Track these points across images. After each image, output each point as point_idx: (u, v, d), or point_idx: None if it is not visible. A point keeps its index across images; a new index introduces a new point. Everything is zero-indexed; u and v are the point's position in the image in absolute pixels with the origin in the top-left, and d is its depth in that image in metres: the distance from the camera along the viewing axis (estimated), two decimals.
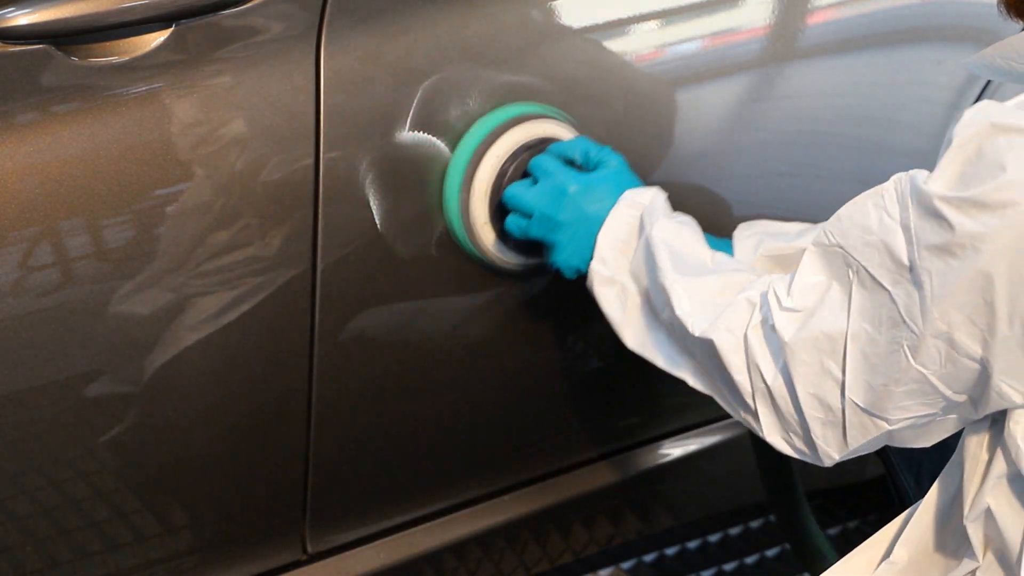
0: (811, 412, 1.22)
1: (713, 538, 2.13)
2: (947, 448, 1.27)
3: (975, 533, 1.22)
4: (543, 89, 1.52)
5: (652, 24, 1.61)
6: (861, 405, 1.19)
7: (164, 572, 1.57)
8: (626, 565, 2.04)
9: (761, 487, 2.03)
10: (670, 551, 2.08)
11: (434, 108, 1.47)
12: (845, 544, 2.13)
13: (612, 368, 1.76)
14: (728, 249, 1.48)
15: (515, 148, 1.48)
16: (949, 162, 1.09)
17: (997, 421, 1.21)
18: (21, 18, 1.26)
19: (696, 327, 1.28)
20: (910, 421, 1.19)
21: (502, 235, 1.50)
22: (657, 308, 1.35)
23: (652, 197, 1.40)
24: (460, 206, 1.49)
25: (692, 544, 2.11)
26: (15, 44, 1.27)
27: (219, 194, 1.38)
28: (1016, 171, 1.04)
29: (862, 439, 1.21)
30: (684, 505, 1.99)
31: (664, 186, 1.50)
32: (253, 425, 1.53)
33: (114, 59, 1.31)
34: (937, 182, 1.09)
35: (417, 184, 1.48)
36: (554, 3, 1.53)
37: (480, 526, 1.79)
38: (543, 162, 1.46)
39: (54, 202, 1.31)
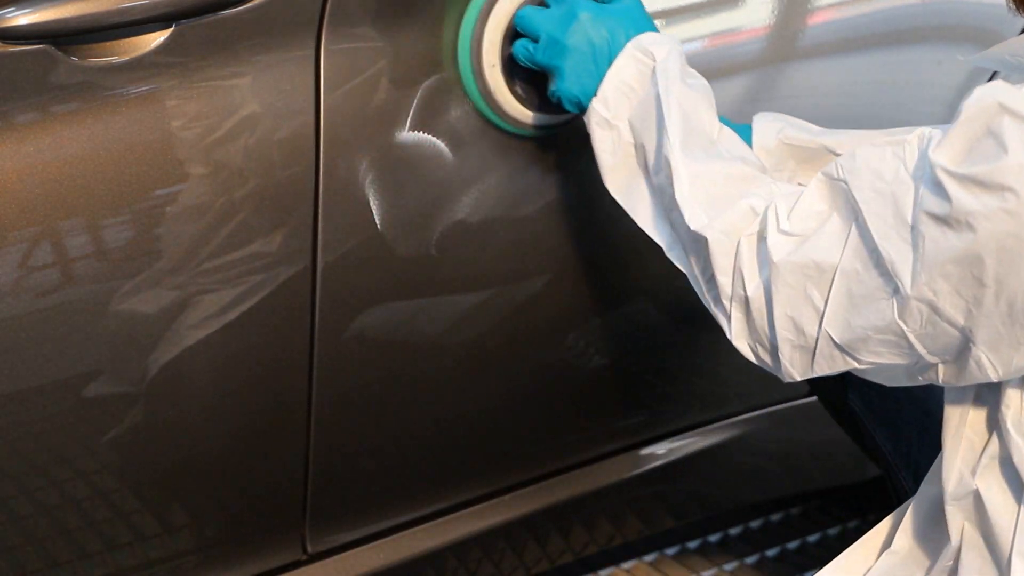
0: (784, 333, 1.22)
1: (713, 538, 2.13)
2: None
3: (954, 514, 1.23)
4: None
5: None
6: (836, 339, 1.19)
7: (164, 572, 1.57)
8: (626, 565, 2.04)
9: (763, 484, 2.04)
10: (670, 551, 2.08)
11: (435, 106, 1.47)
12: (845, 544, 2.13)
13: (613, 368, 1.76)
14: (747, 133, 1.46)
15: None
16: (956, 135, 1.09)
17: (981, 398, 1.22)
18: (21, 18, 1.26)
19: (693, 220, 1.27)
20: (879, 365, 1.20)
21: (515, 88, 1.47)
22: (652, 169, 1.34)
23: (668, 52, 1.37)
24: (471, 58, 1.46)
25: (692, 544, 2.10)
26: (15, 44, 1.27)
27: (219, 194, 1.38)
28: (1017, 156, 1.05)
29: (828, 369, 1.23)
30: (684, 505, 1.99)
31: None
32: (253, 425, 1.53)
33: (114, 59, 1.31)
34: (942, 153, 1.10)
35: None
36: None
37: (480, 526, 1.79)
38: None
39: (54, 202, 1.31)
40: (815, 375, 1.24)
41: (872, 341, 1.18)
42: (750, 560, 2.09)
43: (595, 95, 1.38)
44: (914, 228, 1.12)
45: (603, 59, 1.38)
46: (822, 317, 1.19)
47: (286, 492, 1.61)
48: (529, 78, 1.48)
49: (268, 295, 1.44)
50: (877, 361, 1.19)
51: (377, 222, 1.48)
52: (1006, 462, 1.19)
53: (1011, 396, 1.17)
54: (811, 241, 1.19)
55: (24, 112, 1.29)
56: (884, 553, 1.31)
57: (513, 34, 1.46)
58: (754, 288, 1.24)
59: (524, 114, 1.50)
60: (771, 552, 2.11)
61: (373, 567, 1.72)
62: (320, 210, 1.43)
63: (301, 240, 1.44)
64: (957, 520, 1.24)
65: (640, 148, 1.36)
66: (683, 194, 1.29)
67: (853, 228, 1.17)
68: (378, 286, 1.51)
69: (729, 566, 2.07)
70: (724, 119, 1.42)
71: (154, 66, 1.33)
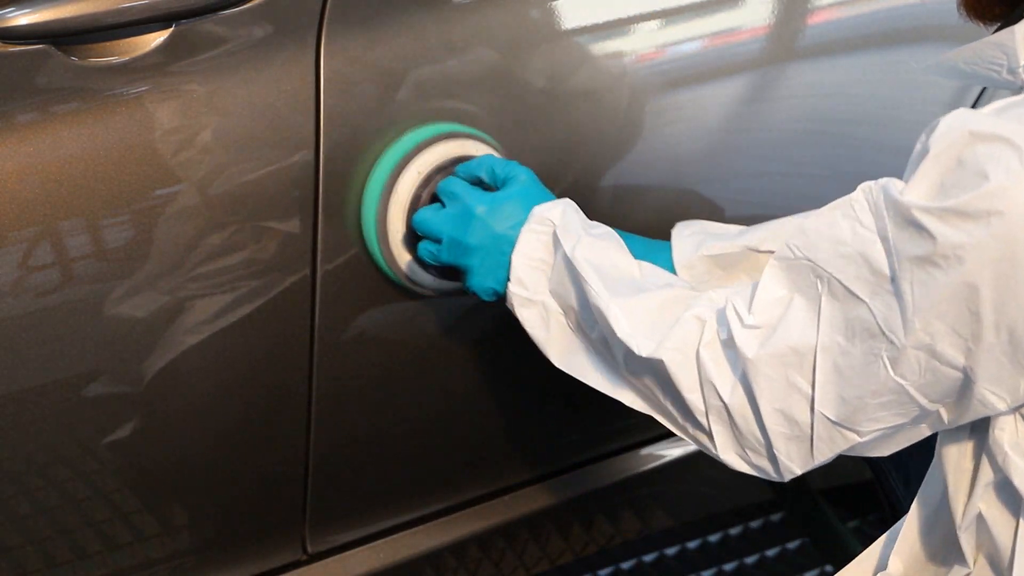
0: (775, 428, 1.19)
1: (713, 538, 2.13)
2: (932, 447, 1.27)
3: (967, 541, 1.21)
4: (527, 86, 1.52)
5: (652, 24, 1.61)
6: (832, 418, 1.16)
7: (164, 572, 1.57)
8: (626, 565, 2.04)
9: (765, 487, 2.03)
10: (670, 551, 2.08)
11: (431, 106, 1.47)
12: (845, 545, 2.13)
13: None
14: (666, 251, 1.45)
15: (428, 171, 1.44)
16: (927, 171, 1.06)
17: (977, 429, 1.20)
18: (21, 18, 1.26)
19: (642, 348, 1.24)
20: (880, 432, 1.17)
21: (420, 260, 1.46)
22: (586, 327, 1.32)
23: (562, 212, 1.34)
24: (377, 232, 1.45)
25: (692, 544, 2.10)
26: (15, 44, 1.27)
27: (219, 194, 1.38)
28: (999, 179, 1.02)
29: (829, 452, 1.19)
30: (684, 505, 1.99)
31: (664, 187, 1.51)
32: (254, 425, 1.53)
33: (114, 59, 1.31)
34: (914, 192, 1.07)
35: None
36: (555, 2, 1.53)
37: (480, 526, 1.79)
38: (449, 185, 1.42)
39: (54, 202, 1.31)
40: (816, 464, 1.21)
41: (871, 407, 1.14)
42: (750, 560, 2.08)
43: (508, 279, 1.35)
44: (895, 279, 1.09)
45: (509, 247, 1.36)
46: (812, 401, 1.16)
47: (286, 492, 1.61)
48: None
49: (268, 295, 1.44)
50: (879, 427, 1.16)
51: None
52: (1002, 485, 1.18)
53: (1004, 420, 1.15)
54: (781, 328, 1.16)
55: (24, 112, 1.29)
56: (879, 574, 1.31)
57: (418, 206, 1.44)
58: (730, 393, 1.20)
59: (443, 284, 1.48)
60: (771, 552, 2.11)
61: (373, 567, 1.72)
62: (320, 210, 1.43)
63: (301, 241, 1.44)
64: (970, 549, 1.22)
65: (568, 311, 1.33)
66: (623, 331, 1.25)
67: (823, 302, 1.14)
68: (378, 286, 1.51)
69: (729, 566, 2.07)
70: (640, 240, 1.40)
71: (154, 66, 1.33)
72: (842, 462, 1.98)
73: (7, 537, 1.45)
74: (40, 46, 1.28)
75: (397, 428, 1.64)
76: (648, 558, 2.06)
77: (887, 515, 1.63)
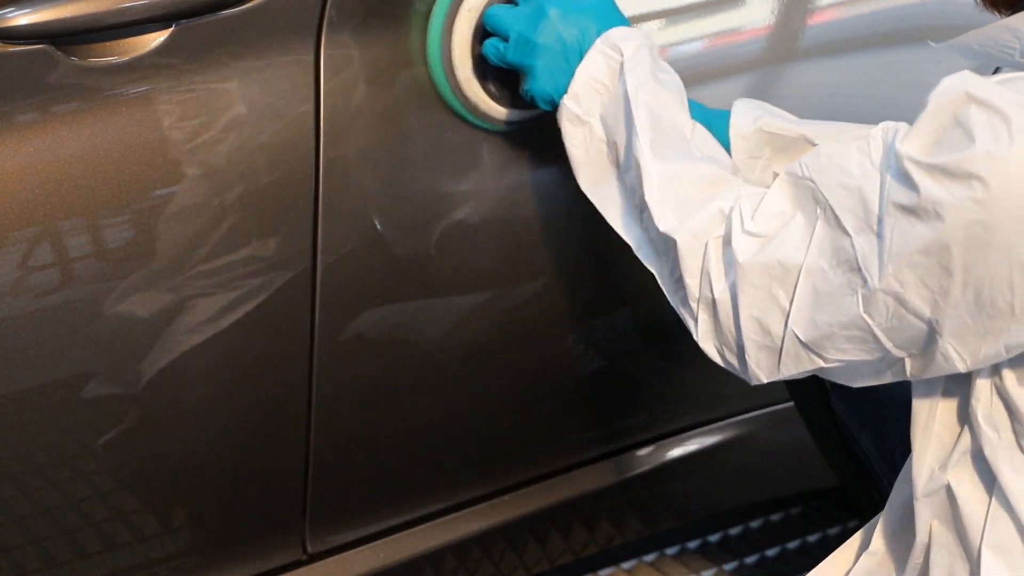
0: (750, 334, 1.22)
1: (713, 538, 2.13)
2: None
3: (922, 511, 1.23)
4: None
5: (652, 24, 1.61)
6: (801, 338, 1.19)
7: (164, 572, 1.57)
8: (626, 565, 2.04)
9: (763, 484, 2.03)
10: (670, 551, 2.08)
11: (414, 106, 1.47)
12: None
13: (612, 368, 1.76)
14: (724, 119, 1.46)
15: None
16: (923, 125, 1.10)
17: (949, 392, 1.22)
18: (21, 18, 1.26)
19: (663, 222, 1.27)
20: (846, 362, 1.20)
21: (487, 87, 1.46)
22: (622, 167, 1.34)
23: (638, 47, 1.36)
24: (442, 55, 1.45)
25: (692, 544, 2.10)
26: (15, 44, 1.27)
27: (219, 194, 1.38)
28: (985, 145, 1.05)
29: (794, 370, 1.23)
30: (684, 505, 1.99)
31: None
32: (254, 425, 1.53)
33: (114, 59, 1.31)
34: (910, 143, 1.10)
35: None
36: None
37: (480, 526, 1.79)
38: None
39: (54, 202, 1.31)
40: (781, 376, 1.24)
41: (838, 338, 1.17)
42: (750, 560, 2.08)
43: (566, 92, 1.37)
44: (881, 220, 1.12)
45: (574, 56, 1.37)
46: (787, 316, 1.19)
47: (286, 492, 1.61)
48: (500, 74, 1.47)
49: (268, 296, 1.44)
50: (843, 359, 1.19)
51: (377, 223, 1.48)
52: (977, 455, 1.20)
53: (980, 388, 1.17)
54: (775, 241, 1.20)
55: (24, 112, 1.29)
56: (863, 555, 1.32)
57: (482, 31, 1.45)
58: (720, 290, 1.24)
59: (497, 111, 1.49)
60: (771, 552, 2.11)
61: (373, 567, 1.72)
62: (320, 210, 1.43)
63: (301, 241, 1.44)
64: (925, 517, 1.24)
65: (612, 145, 1.35)
66: (653, 196, 1.28)
67: (818, 226, 1.17)
68: (378, 286, 1.51)
69: (729, 566, 2.07)
70: (701, 106, 1.41)
71: (154, 66, 1.33)
72: (842, 463, 1.98)
73: (7, 537, 1.45)
74: (40, 46, 1.28)
75: (397, 428, 1.64)
76: (648, 558, 2.06)
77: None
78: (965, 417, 1.20)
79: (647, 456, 1.89)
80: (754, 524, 2.16)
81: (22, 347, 1.35)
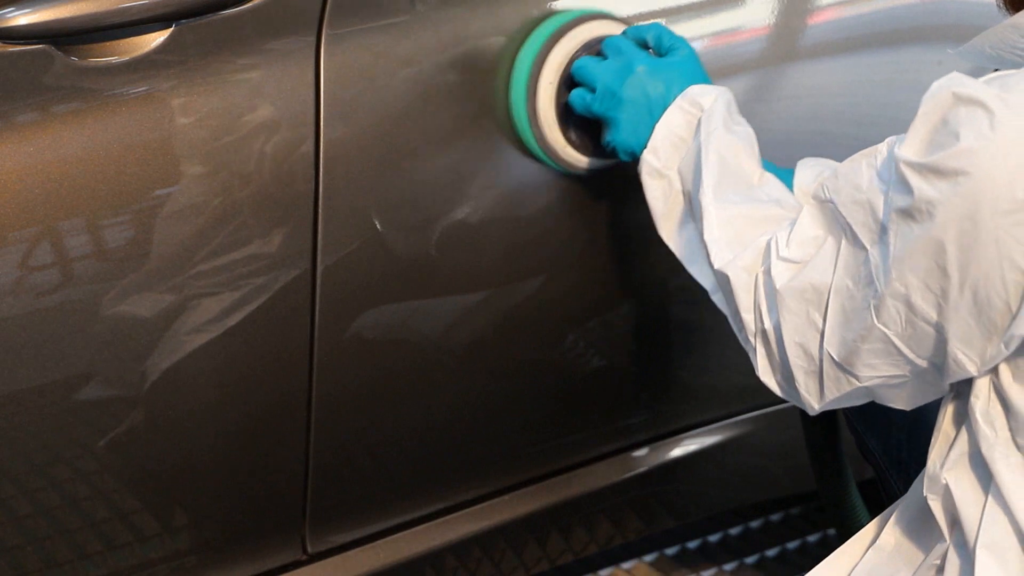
0: (795, 360, 1.24)
1: (713, 538, 2.13)
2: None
3: (937, 509, 1.23)
4: None
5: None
6: (835, 358, 1.21)
7: (164, 572, 1.57)
8: (626, 565, 2.04)
9: (763, 484, 2.03)
10: (670, 551, 2.08)
11: (442, 102, 1.47)
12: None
13: (612, 368, 1.76)
14: (789, 176, 1.48)
15: (579, 46, 1.49)
16: (915, 129, 1.12)
17: (961, 395, 1.22)
18: (21, 18, 1.26)
19: (717, 258, 1.30)
20: (881, 380, 1.20)
21: (568, 135, 1.51)
22: (695, 217, 1.37)
23: (714, 99, 1.40)
24: (527, 96, 1.49)
25: (692, 544, 2.10)
26: (15, 44, 1.27)
27: (219, 194, 1.38)
28: (968, 140, 1.06)
29: (836, 392, 1.23)
30: (684, 505, 1.99)
31: None
32: (253, 425, 1.53)
33: (114, 59, 1.31)
34: (905, 148, 1.12)
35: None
36: (554, 3, 1.53)
37: (480, 526, 1.79)
38: (616, 41, 1.48)
39: (54, 202, 1.31)
40: (827, 401, 1.25)
41: (863, 352, 1.18)
42: (750, 560, 2.09)
43: (646, 146, 1.41)
44: (885, 228, 1.14)
45: (658, 111, 1.42)
46: (822, 337, 1.21)
47: (286, 492, 1.61)
48: (582, 123, 1.51)
49: (268, 295, 1.44)
50: (875, 375, 1.20)
51: (377, 223, 1.48)
52: (975, 454, 1.20)
53: (980, 386, 1.18)
54: (809, 265, 1.22)
55: (24, 112, 1.29)
56: (870, 549, 1.32)
57: (569, 80, 1.50)
58: (768, 321, 1.26)
59: (577, 158, 1.53)
60: (771, 552, 2.11)
61: (373, 567, 1.72)
62: (320, 211, 1.43)
63: (301, 241, 1.44)
64: (941, 515, 1.24)
65: (687, 195, 1.39)
66: (712, 235, 1.32)
67: (842, 245, 1.19)
68: (378, 287, 1.51)
69: (729, 566, 2.07)
70: (770, 164, 1.44)
71: (154, 66, 1.33)
72: (822, 468, 1.98)
73: (7, 537, 1.45)
74: (40, 46, 1.28)
75: (397, 427, 1.64)
76: (648, 558, 2.06)
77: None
78: (964, 415, 1.20)
79: (647, 456, 1.89)
80: (754, 524, 2.16)
81: (22, 347, 1.35)
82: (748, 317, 1.28)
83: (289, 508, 1.62)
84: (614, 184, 1.60)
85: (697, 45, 1.65)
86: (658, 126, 1.41)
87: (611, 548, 1.96)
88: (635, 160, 1.44)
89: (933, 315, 1.12)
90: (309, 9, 1.39)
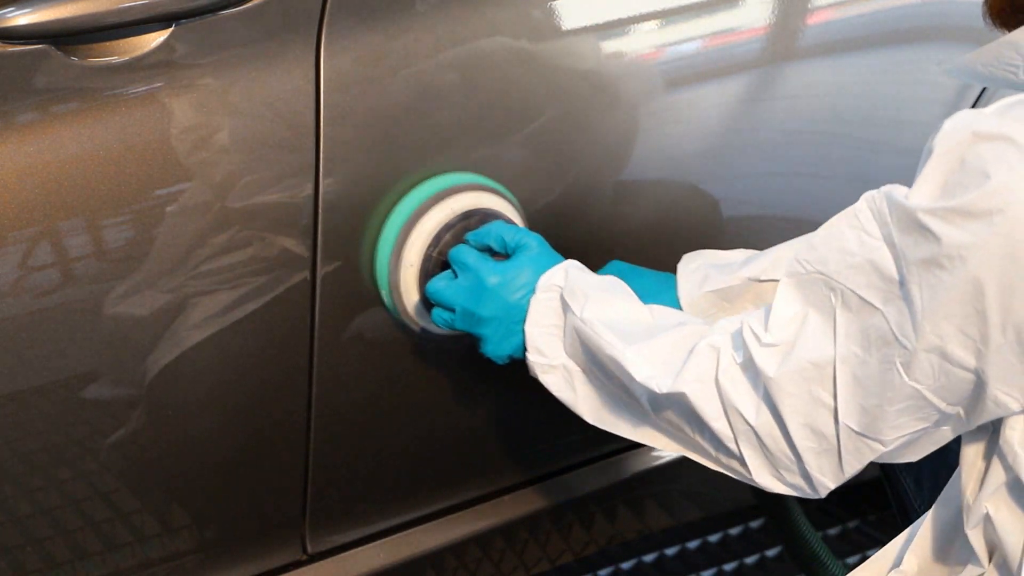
0: (804, 443, 1.20)
1: (713, 538, 2.13)
2: (947, 450, 1.27)
3: (977, 540, 1.21)
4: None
5: (652, 24, 1.61)
6: (856, 429, 1.17)
7: (164, 572, 1.57)
8: (626, 565, 2.04)
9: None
10: (670, 551, 2.08)
11: (431, 115, 1.47)
12: (845, 544, 2.13)
13: None
14: (672, 283, 1.46)
15: (438, 229, 1.46)
16: (930, 173, 1.07)
17: (984, 428, 1.20)
18: (21, 18, 1.26)
19: (662, 385, 1.25)
20: (905, 439, 1.17)
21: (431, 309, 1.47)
22: (607, 381, 1.33)
23: (566, 274, 1.36)
24: (391, 291, 1.48)
25: (692, 544, 2.10)
26: (15, 44, 1.27)
27: (219, 195, 1.38)
28: (1000, 177, 1.03)
29: (858, 464, 1.20)
30: (684, 505, 1.99)
31: (664, 187, 1.50)
32: (254, 425, 1.53)
33: (114, 59, 1.31)
34: (919, 195, 1.07)
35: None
36: (553, 2, 1.53)
37: (480, 526, 1.79)
38: (460, 255, 1.43)
39: (54, 202, 1.31)
40: (847, 477, 1.21)
41: (890, 415, 1.15)
42: (750, 560, 2.08)
43: (524, 348, 1.38)
44: (903, 284, 1.10)
45: (521, 316, 1.38)
46: (835, 413, 1.17)
47: (286, 492, 1.61)
48: None
49: (268, 296, 1.44)
50: (902, 434, 1.16)
51: (377, 224, 1.48)
52: (1013, 482, 1.18)
53: (1016, 419, 1.15)
54: (800, 344, 1.17)
55: (24, 112, 1.29)
56: (892, 572, 1.30)
57: (429, 271, 1.47)
58: (755, 415, 1.21)
59: (449, 333, 1.49)
60: (771, 552, 2.11)
61: (373, 567, 1.72)
62: (320, 212, 1.43)
63: (301, 242, 1.44)
64: (980, 546, 1.22)
65: (589, 370, 1.35)
66: (642, 373, 1.27)
67: (838, 315, 1.15)
68: (377, 288, 1.51)
69: (729, 566, 2.07)
70: (647, 273, 1.42)
71: (154, 66, 1.33)
72: None
73: (7, 537, 1.45)
74: (40, 46, 1.28)
75: (397, 428, 1.64)
76: (648, 558, 2.06)
77: (896, 515, 1.63)
78: (998, 447, 1.18)
79: (647, 456, 1.89)
80: (754, 524, 2.16)
81: (22, 347, 1.35)
82: (720, 425, 1.23)
83: (289, 508, 1.62)
84: None
85: (696, 45, 1.65)
86: (528, 326, 1.36)
87: (611, 548, 1.96)
88: (514, 361, 1.41)
89: (971, 361, 1.09)
90: (309, 9, 1.39)
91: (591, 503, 1.87)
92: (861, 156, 1.79)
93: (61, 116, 1.31)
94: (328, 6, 1.39)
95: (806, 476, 1.22)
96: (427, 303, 1.47)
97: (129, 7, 1.30)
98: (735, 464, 1.25)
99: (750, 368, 1.20)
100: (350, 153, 1.44)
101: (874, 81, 1.77)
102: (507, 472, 1.79)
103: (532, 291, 1.38)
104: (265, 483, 1.59)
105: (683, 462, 1.92)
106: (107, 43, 1.31)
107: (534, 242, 1.41)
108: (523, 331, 1.37)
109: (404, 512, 1.74)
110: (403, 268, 1.47)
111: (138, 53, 1.32)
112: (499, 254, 1.43)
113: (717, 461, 1.27)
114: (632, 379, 1.27)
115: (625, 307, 1.33)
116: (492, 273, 1.40)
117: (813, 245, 1.17)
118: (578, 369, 1.36)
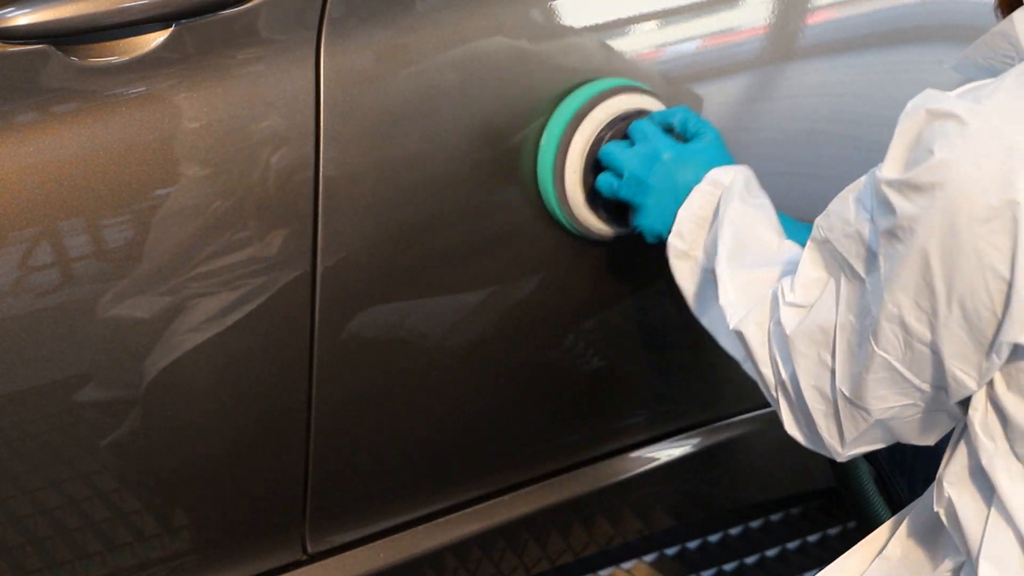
0: (813, 404, 1.23)
1: (713, 538, 2.13)
2: (939, 453, 1.27)
3: (948, 523, 1.22)
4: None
5: (652, 23, 1.61)
6: (847, 395, 1.20)
7: (164, 572, 1.57)
8: (626, 565, 2.04)
9: (763, 484, 2.03)
10: (670, 551, 2.08)
11: (431, 115, 1.47)
12: (845, 544, 2.13)
13: (612, 368, 1.76)
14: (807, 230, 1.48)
15: (610, 118, 1.51)
16: (893, 149, 1.11)
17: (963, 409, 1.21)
18: (21, 18, 1.26)
19: (731, 319, 1.30)
20: (893, 412, 1.19)
21: (593, 203, 1.53)
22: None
23: (733, 177, 1.41)
24: (554, 174, 1.51)
25: (692, 544, 2.10)
26: (15, 44, 1.27)
27: (219, 195, 1.38)
28: (942, 153, 1.06)
29: (855, 431, 1.23)
30: (684, 505, 1.99)
31: None
32: (254, 425, 1.53)
33: (114, 59, 1.31)
34: (885, 168, 1.11)
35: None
36: (555, 2, 1.53)
37: (480, 526, 1.79)
38: (642, 126, 1.49)
39: (54, 202, 1.31)
40: (850, 442, 1.24)
41: (869, 384, 1.17)
42: (750, 560, 2.08)
43: (671, 230, 1.43)
44: (875, 253, 1.13)
45: (683, 196, 1.43)
46: (833, 376, 1.21)
47: (286, 492, 1.61)
48: (609, 201, 1.53)
49: (268, 296, 1.44)
50: (886, 407, 1.19)
51: (377, 223, 1.48)
52: (975, 467, 1.19)
53: (977, 398, 1.16)
54: (815, 308, 1.21)
55: (24, 112, 1.29)
56: (877, 558, 1.31)
57: (595, 162, 1.52)
58: (785, 371, 1.25)
59: (607, 231, 1.56)
60: (771, 552, 2.11)
61: (373, 567, 1.72)
62: (320, 211, 1.43)
63: (301, 242, 1.44)
64: (954, 530, 1.23)
65: (711, 272, 1.39)
66: (727, 299, 1.32)
67: (842, 282, 1.19)
68: (377, 288, 1.51)
69: (729, 566, 2.07)
70: (791, 221, 1.44)
71: (154, 66, 1.33)
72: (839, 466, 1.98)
73: (7, 537, 1.45)
74: (40, 46, 1.28)
75: (397, 428, 1.64)
76: (648, 558, 2.06)
77: (892, 515, 1.63)
78: (964, 428, 1.20)
79: (647, 456, 1.89)
80: (754, 524, 2.16)
81: (22, 347, 1.35)
82: (767, 371, 1.28)
83: (289, 508, 1.62)
84: None
85: (696, 45, 1.65)
86: (681, 209, 1.42)
87: (611, 548, 1.96)
88: (660, 242, 1.46)
89: (927, 334, 1.12)
90: (309, 9, 1.39)
91: (591, 503, 1.87)
92: (862, 157, 1.79)
93: (61, 116, 1.31)
94: (328, 6, 1.39)
95: (818, 437, 1.25)
96: (592, 198, 1.52)
97: (129, 7, 1.30)
98: (777, 409, 1.29)
99: (779, 324, 1.25)
100: (350, 152, 1.44)
101: (874, 81, 1.77)
102: (507, 472, 1.80)
103: (698, 180, 1.42)
104: (265, 483, 1.59)
105: (683, 462, 1.92)
106: (107, 43, 1.31)
107: (713, 135, 1.48)
108: (675, 214, 1.42)
109: (404, 512, 1.74)
110: (570, 156, 1.51)
111: (138, 53, 1.32)
112: (676, 137, 1.49)
113: (770, 401, 1.31)
114: (717, 299, 1.33)
115: (760, 229, 1.38)
116: (669, 149, 1.46)
117: (828, 212, 1.22)
118: (705, 266, 1.41)
